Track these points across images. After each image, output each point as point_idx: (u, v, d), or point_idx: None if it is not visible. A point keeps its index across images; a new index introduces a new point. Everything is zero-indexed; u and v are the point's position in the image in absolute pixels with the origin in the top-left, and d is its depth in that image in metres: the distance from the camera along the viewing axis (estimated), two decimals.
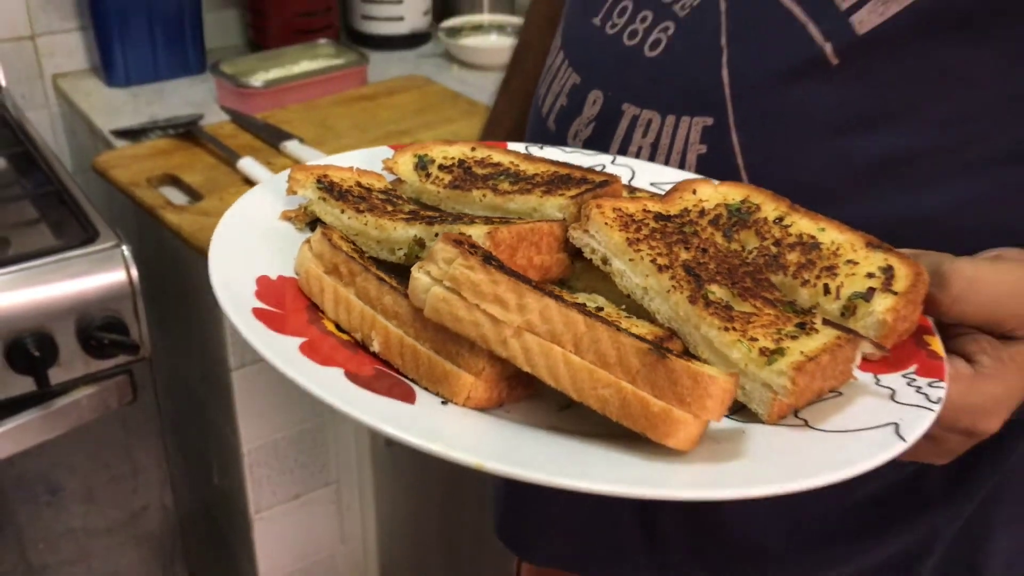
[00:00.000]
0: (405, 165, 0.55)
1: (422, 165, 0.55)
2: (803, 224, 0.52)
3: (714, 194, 0.54)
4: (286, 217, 0.52)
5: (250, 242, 0.48)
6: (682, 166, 0.61)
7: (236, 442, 1.23)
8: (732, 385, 0.39)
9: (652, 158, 0.63)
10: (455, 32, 1.64)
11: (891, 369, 0.45)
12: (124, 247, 1.05)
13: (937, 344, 0.47)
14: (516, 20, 1.66)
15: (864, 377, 0.45)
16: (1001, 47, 0.56)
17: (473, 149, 0.57)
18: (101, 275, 1.04)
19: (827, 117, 0.58)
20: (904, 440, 0.40)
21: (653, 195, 0.55)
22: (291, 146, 1.24)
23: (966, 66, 0.57)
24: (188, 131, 1.29)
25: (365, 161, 0.57)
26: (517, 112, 0.91)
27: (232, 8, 1.61)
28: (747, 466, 0.39)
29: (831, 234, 0.51)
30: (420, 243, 0.46)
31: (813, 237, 0.51)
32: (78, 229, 1.09)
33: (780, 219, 0.52)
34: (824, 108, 0.58)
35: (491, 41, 1.64)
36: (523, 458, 0.38)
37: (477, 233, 0.44)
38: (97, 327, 1.03)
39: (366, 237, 0.48)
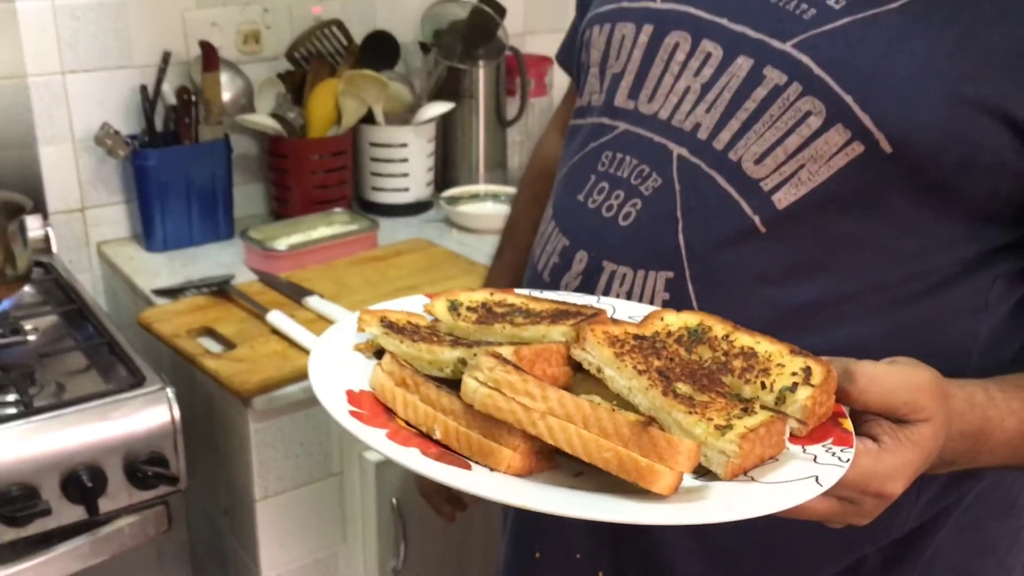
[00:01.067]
0: (440, 308, 0.71)
1: (453, 307, 0.71)
2: (744, 339, 0.67)
3: (677, 320, 0.69)
4: (358, 349, 0.67)
5: (335, 367, 0.64)
6: None
7: (256, 570, 1.34)
8: (695, 447, 0.54)
9: None
10: (454, 200, 1.84)
11: (814, 442, 0.60)
12: (169, 390, 1.20)
13: (848, 424, 0.61)
14: (509, 189, 1.86)
15: (795, 448, 0.59)
16: (885, 221, 0.73)
17: (492, 294, 0.73)
18: (148, 415, 1.18)
19: (759, 272, 0.75)
20: (821, 486, 0.55)
21: (631, 323, 0.71)
22: (312, 301, 1.41)
23: (859, 234, 0.74)
24: (221, 289, 1.46)
25: (408, 307, 0.73)
26: (509, 280, 1.08)
27: (258, 182, 1.82)
28: (708, 504, 0.54)
29: (765, 345, 0.66)
30: (462, 362, 0.61)
31: (752, 348, 0.66)
32: (126, 375, 1.24)
33: (727, 336, 0.67)
34: (757, 265, 0.75)
35: (487, 208, 1.84)
36: (549, 499, 0.53)
37: (506, 352, 0.59)
38: (142, 461, 1.17)
39: (420, 360, 0.63)
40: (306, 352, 1.28)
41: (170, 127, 1.64)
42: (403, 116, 1.82)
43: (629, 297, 0.79)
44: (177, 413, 1.19)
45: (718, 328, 0.68)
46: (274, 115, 1.73)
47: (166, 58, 1.63)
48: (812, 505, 0.57)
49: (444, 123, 1.91)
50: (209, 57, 1.62)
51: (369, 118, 1.78)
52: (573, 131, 0.89)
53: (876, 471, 0.59)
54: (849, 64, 0.70)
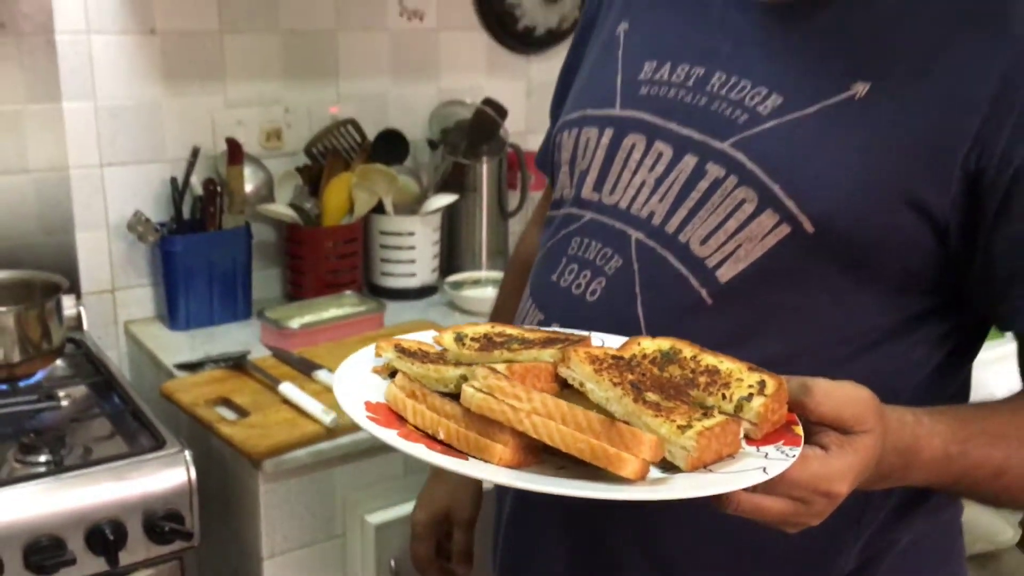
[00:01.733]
0: (447, 339, 0.81)
1: (459, 338, 0.81)
2: (709, 359, 0.76)
3: (652, 344, 0.79)
4: (375, 371, 0.78)
5: (355, 385, 0.74)
6: None
7: None
8: (656, 439, 0.63)
9: None
10: (458, 285, 1.97)
11: (768, 443, 0.69)
12: (186, 452, 1.31)
13: (799, 430, 0.70)
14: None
15: (749, 448, 0.68)
16: (813, 292, 0.84)
17: (492, 327, 0.83)
18: (166, 475, 1.28)
19: (709, 338, 0.85)
20: (767, 474, 0.63)
21: (611, 348, 0.80)
22: (321, 374, 1.52)
23: (791, 303, 0.85)
24: (238, 363, 1.58)
25: (421, 339, 0.83)
26: None
27: (275, 267, 1.96)
28: (668, 486, 0.64)
29: (727, 364, 0.75)
30: (464, 378, 0.71)
31: (715, 366, 0.75)
32: (148, 439, 1.35)
33: (694, 357, 0.76)
34: (705, 332, 0.85)
35: (488, 293, 1.96)
36: (534, 480, 0.63)
37: (500, 367, 0.69)
38: (160, 517, 1.27)
39: (428, 378, 0.73)
40: (314, 420, 1.40)
41: (196, 215, 1.79)
42: (411, 207, 1.97)
43: None
44: (194, 474, 1.29)
45: (687, 351, 0.77)
46: (292, 205, 1.87)
47: (195, 153, 1.78)
48: (769, 505, 0.66)
49: (449, 213, 2.05)
50: (234, 152, 1.78)
51: (380, 208, 1.92)
52: (549, 220, 1.02)
53: (825, 472, 0.68)
54: (775, 159, 0.83)
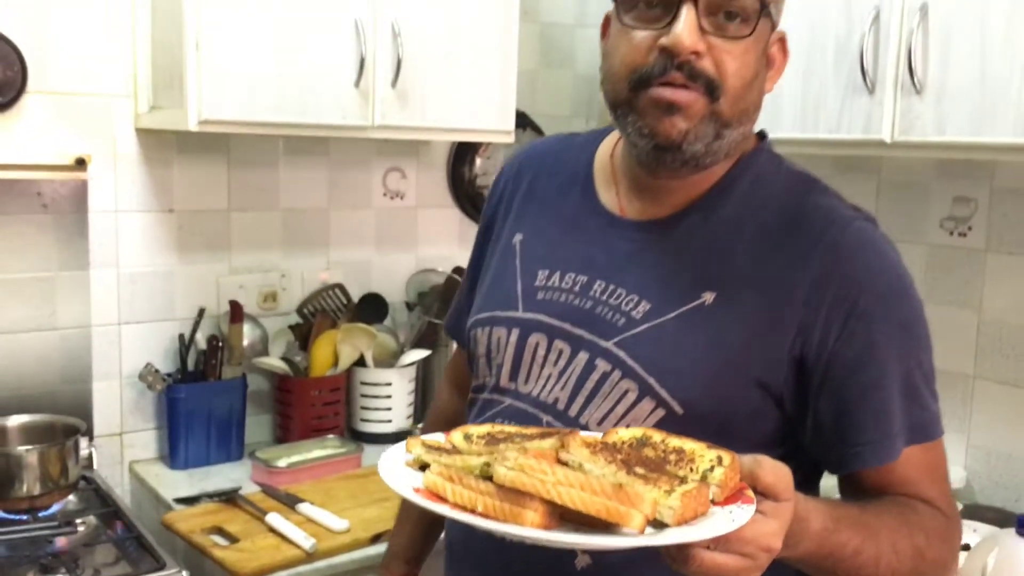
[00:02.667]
0: (457, 437, 0.90)
1: (467, 437, 0.90)
2: (674, 442, 0.88)
3: (627, 433, 0.90)
4: (408, 464, 0.90)
5: (397, 475, 0.86)
6: None
7: None
8: (653, 499, 0.75)
9: None
10: None
11: (728, 503, 0.80)
12: (184, 573, 1.51)
13: (751, 493, 0.81)
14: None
15: (716, 508, 0.80)
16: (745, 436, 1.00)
17: (492, 427, 0.93)
18: None
19: None
20: (736, 523, 0.75)
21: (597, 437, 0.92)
22: (304, 507, 1.74)
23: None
24: (230, 498, 1.80)
25: (434, 439, 0.92)
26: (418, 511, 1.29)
27: (267, 413, 2.20)
28: (665, 534, 0.75)
29: (689, 444, 0.86)
30: (487, 465, 0.80)
31: (681, 447, 0.87)
32: (151, 561, 1.55)
33: (663, 440, 0.88)
34: None
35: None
36: (561, 537, 0.75)
37: (517, 452, 0.82)
38: None
39: (455, 467, 0.82)
40: (296, 546, 1.61)
41: (199, 367, 2.04)
42: (389, 360, 2.23)
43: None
44: None
45: (656, 436, 0.90)
46: (284, 358, 2.13)
47: (201, 313, 2.06)
48: (725, 561, 0.77)
49: (423, 366, 2.31)
50: (236, 313, 2.05)
51: (361, 361, 2.18)
52: (472, 402, 1.14)
53: (767, 531, 0.80)
54: (649, 357, 0.99)
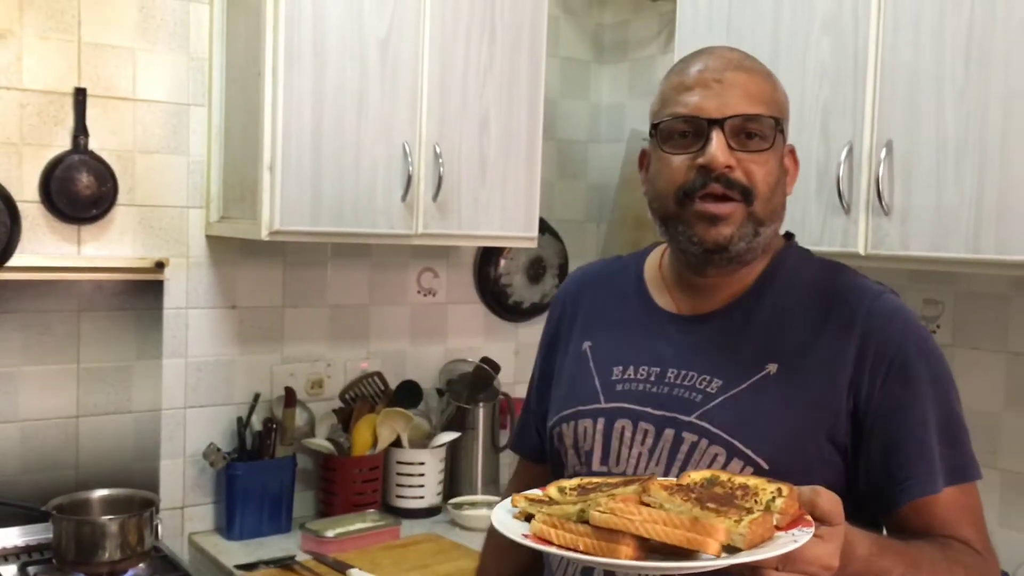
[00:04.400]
0: (552, 490, 1.01)
1: (560, 489, 1.01)
2: (739, 479, 0.98)
3: (698, 475, 1.01)
4: (515, 516, 0.98)
5: (508, 525, 0.96)
6: None
7: None
8: (725, 526, 0.84)
9: None
10: (459, 506, 2.42)
11: (791, 528, 0.90)
12: None
13: (810, 518, 0.91)
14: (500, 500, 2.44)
15: (780, 533, 0.89)
16: None
17: (580, 480, 1.04)
18: None
19: None
20: (797, 542, 0.85)
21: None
22: (354, 572, 1.95)
23: None
24: (286, 564, 2.01)
25: (534, 493, 1.02)
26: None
27: (312, 490, 2.42)
28: (738, 556, 0.85)
29: (753, 480, 0.97)
30: (582, 511, 0.90)
31: (745, 483, 0.97)
32: None
33: (729, 479, 0.99)
34: None
35: (482, 512, 2.40)
36: (654, 567, 0.86)
37: (607, 498, 0.90)
38: None
39: (555, 515, 0.91)
40: None
41: (255, 446, 2.27)
42: (422, 441, 2.46)
43: None
44: None
45: (723, 476, 1.00)
46: (328, 439, 2.36)
47: (256, 398, 2.30)
48: None
49: (453, 448, 2.54)
50: (290, 398, 2.30)
51: (397, 442, 2.41)
52: None
53: (825, 551, 0.90)
54: (731, 423, 1.10)
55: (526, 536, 0.92)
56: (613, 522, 0.87)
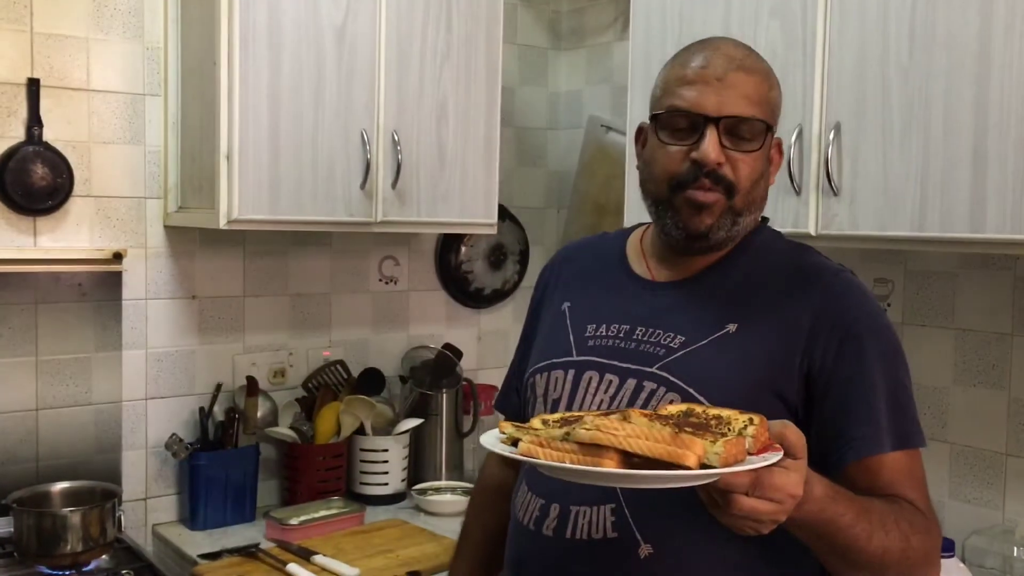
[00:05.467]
0: (535, 422, 1.03)
1: (544, 421, 1.04)
2: (713, 411, 1.04)
3: (675, 408, 1.06)
4: (503, 442, 1.02)
5: (498, 447, 1.01)
6: None
7: None
8: (703, 443, 0.90)
9: None
10: (423, 492, 2.43)
11: (762, 452, 0.96)
12: None
13: (778, 446, 0.97)
14: (465, 484, 2.46)
15: (752, 457, 0.95)
16: None
17: (562, 413, 1.08)
18: None
19: (679, 498, 1.02)
20: (768, 461, 0.92)
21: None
22: (318, 558, 1.96)
23: None
24: (251, 552, 2.02)
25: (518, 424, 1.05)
26: (469, 566, 1.51)
27: (276, 479, 2.42)
28: (714, 471, 0.91)
29: (726, 412, 1.02)
30: (567, 435, 0.94)
31: (719, 414, 1.02)
32: None
33: (704, 410, 1.04)
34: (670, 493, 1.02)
35: (447, 497, 2.43)
36: (634, 476, 0.91)
37: (593, 418, 0.96)
38: None
39: (542, 436, 0.96)
40: None
41: (218, 436, 2.27)
42: (386, 428, 2.47)
43: (589, 529, 1.20)
44: None
45: (698, 408, 1.06)
46: (292, 428, 2.37)
47: (218, 388, 2.30)
48: (757, 505, 0.92)
49: (416, 434, 2.55)
50: (252, 387, 2.30)
51: (361, 430, 2.42)
52: None
53: (792, 480, 0.96)
54: (688, 373, 1.19)
55: (515, 452, 0.98)
56: (598, 437, 0.92)
